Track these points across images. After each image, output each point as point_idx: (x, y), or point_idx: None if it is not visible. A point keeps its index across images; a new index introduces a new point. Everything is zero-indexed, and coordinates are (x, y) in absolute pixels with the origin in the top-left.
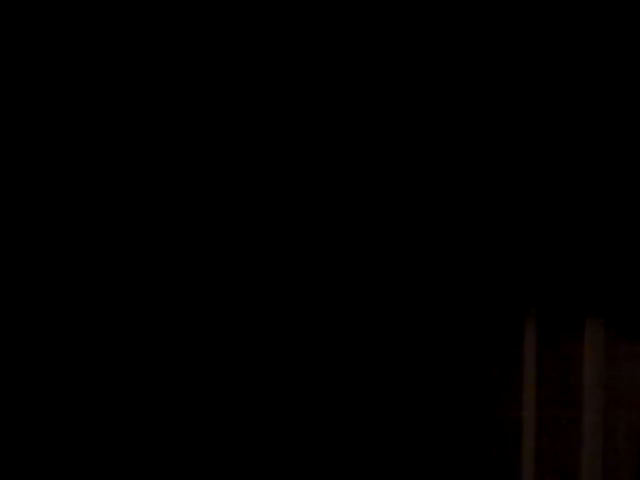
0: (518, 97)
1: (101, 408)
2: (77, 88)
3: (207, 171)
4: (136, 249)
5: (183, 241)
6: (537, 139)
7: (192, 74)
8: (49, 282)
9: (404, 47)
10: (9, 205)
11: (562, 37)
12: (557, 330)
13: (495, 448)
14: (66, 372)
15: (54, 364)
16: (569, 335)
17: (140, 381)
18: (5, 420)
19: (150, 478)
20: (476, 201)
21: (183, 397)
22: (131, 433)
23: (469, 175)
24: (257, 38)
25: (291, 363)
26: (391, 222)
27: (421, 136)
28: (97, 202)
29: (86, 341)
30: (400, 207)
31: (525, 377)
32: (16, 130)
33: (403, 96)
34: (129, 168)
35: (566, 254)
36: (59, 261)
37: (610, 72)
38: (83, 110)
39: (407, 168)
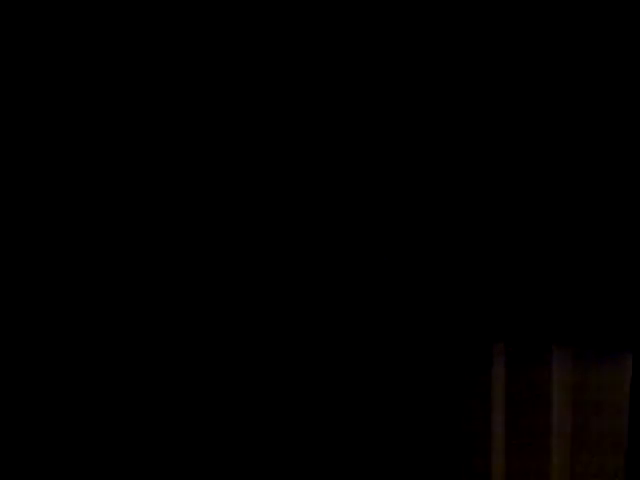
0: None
1: (101, 408)
2: (77, 88)
3: (207, 171)
4: (136, 249)
5: (183, 241)
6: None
7: (192, 74)
8: (49, 282)
9: (404, 47)
10: (9, 205)
11: (562, 37)
12: (525, 358)
13: (464, 475)
14: (66, 372)
15: (54, 364)
16: (537, 362)
17: (140, 381)
18: (5, 420)
19: (150, 478)
20: (450, 234)
21: (183, 397)
22: (131, 433)
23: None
24: (257, 38)
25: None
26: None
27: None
28: (97, 202)
29: (86, 341)
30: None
31: (494, 403)
32: (16, 130)
33: (402, 97)
34: (129, 168)
35: (535, 284)
36: (59, 261)
37: (610, 72)
38: (83, 110)
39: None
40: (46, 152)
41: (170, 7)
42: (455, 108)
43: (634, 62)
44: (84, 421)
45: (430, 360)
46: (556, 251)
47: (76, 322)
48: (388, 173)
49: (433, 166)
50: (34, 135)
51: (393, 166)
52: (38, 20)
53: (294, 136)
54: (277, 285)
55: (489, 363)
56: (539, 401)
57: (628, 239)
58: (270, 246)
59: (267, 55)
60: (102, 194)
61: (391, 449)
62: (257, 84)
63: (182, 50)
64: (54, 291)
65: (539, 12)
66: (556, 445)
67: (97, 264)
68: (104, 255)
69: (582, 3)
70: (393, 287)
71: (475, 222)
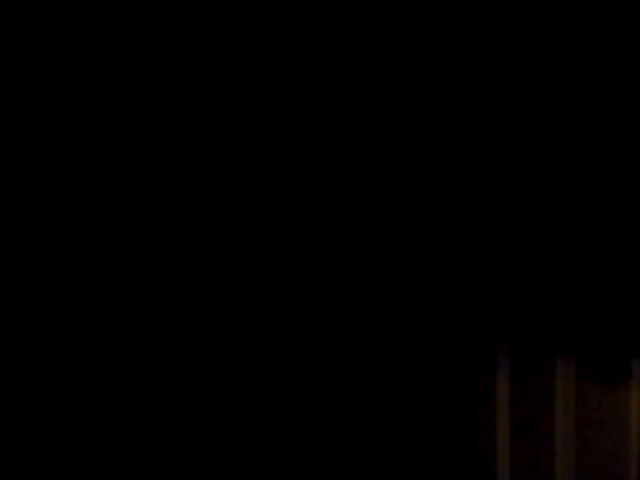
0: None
1: (101, 408)
2: (77, 88)
3: (207, 171)
4: (136, 249)
5: (183, 241)
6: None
7: (192, 74)
8: (49, 282)
9: (404, 47)
10: (9, 205)
11: (562, 37)
12: (529, 364)
13: (470, 477)
14: (66, 372)
15: (54, 364)
16: (541, 368)
17: (140, 381)
18: (5, 420)
19: (150, 478)
20: (457, 240)
21: (183, 397)
22: (131, 433)
23: (438, 218)
24: (257, 38)
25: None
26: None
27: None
28: (97, 202)
29: (86, 341)
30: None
31: (498, 408)
32: (16, 130)
33: (402, 97)
34: (129, 168)
35: (540, 292)
36: (59, 261)
37: (610, 73)
38: (83, 110)
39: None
40: (46, 152)
41: (170, 7)
42: (458, 111)
43: (634, 62)
44: (84, 421)
45: (435, 365)
46: (562, 259)
47: (76, 322)
48: (395, 177)
49: (442, 171)
50: (34, 135)
51: (400, 169)
52: (38, 20)
53: (294, 136)
54: (279, 286)
55: (494, 368)
56: (543, 406)
57: (636, 250)
58: (272, 247)
59: (267, 55)
60: (102, 194)
61: (396, 452)
62: (257, 84)
63: (182, 50)
64: (54, 291)
65: (539, 12)
66: (560, 448)
67: (97, 264)
68: (104, 255)
69: (582, 3)
70: (400, 293)
71: (482, 228)
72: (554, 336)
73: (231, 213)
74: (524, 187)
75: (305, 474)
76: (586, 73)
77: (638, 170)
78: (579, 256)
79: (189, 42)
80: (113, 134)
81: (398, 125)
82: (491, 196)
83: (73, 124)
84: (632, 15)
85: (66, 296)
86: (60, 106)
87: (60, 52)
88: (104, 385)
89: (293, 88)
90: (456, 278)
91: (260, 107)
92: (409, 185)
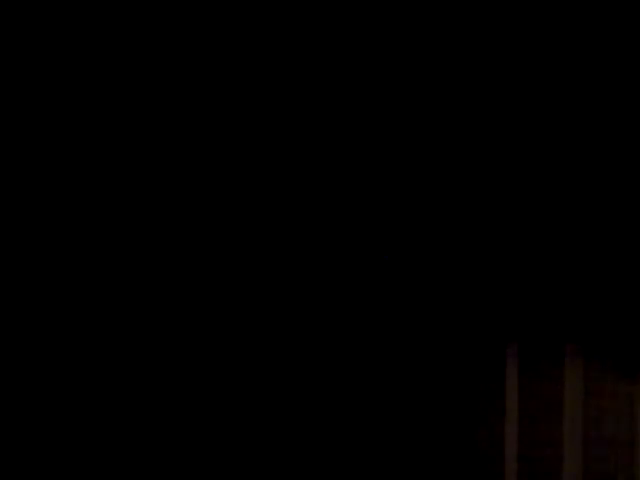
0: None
1: (101, 408)
2: (77, 88)
3: (207, 171)
4: (136, 250)
5: (183, 241)
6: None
7: (192, 74)
8: (49, 282)
9: (405, 48)
10: (9, 205)
11: (562, 38)
12: (539, 356)
13: (479, 469)
14: (66, 372)
15: (54, 364)
16: (550, 364)
17: (140, 381)
18: (5, 420)
19: (150, 478)
20: (465, 238)
21: (183, 397)
22: (131, 433)
23: (448, 213)
24: (257, 39)
25: (282, 365)
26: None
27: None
28: (97, 202)
29: (86, 341)
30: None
31: (507, 404)
32: (16, 130)
33: (402, 98)
34: (129, 169)
35: (548, 287)
36: (59, 261)
37: (610, 74)
38: (83, 110)
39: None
40: (46, 152)
41: (170, 7)
42: (460, 112)
43: (634, 62)
44: (84, 421)
45: (445, 363)
46: (571, 255)
47: (76, 322)
48: (403, 175)
49: (447, 170)
50: (34, 135)
51: (408, 168)
52: (38, 20)
53: (294, 137)
54: (282, 288)
55: (502, 364)
56: (552, 403)
57: None
58: (274, 247)
59: (267, 55)
60: (102, 194)
61: (404, 449)
62: (257, 84)
63: (182, 50)
64: (54, 291)
65: (539, 12)
66: (568, 445)
67: (97, 264)
68: (104, 255)
69: (582, 3)
70: (409, 292)
71: (489, 228)
72: (563, 332)
73: (231, 213)
74: (530, 187)
75: (309, 473)
76: (586, 73)
77: (638, 170)
78: (586, 252)
79: (189, 43)
80: (113, 135)
81: (402, 127)
82: (500, 196)
83: (73, 124)
84: (632, 15)
85: (66, 296)
86: (60, 106)
87: (60, 52)
88: (104, 385)
89: (293, 89)
90: (464, 277)
91: (260, 108)
92: (418, 184)
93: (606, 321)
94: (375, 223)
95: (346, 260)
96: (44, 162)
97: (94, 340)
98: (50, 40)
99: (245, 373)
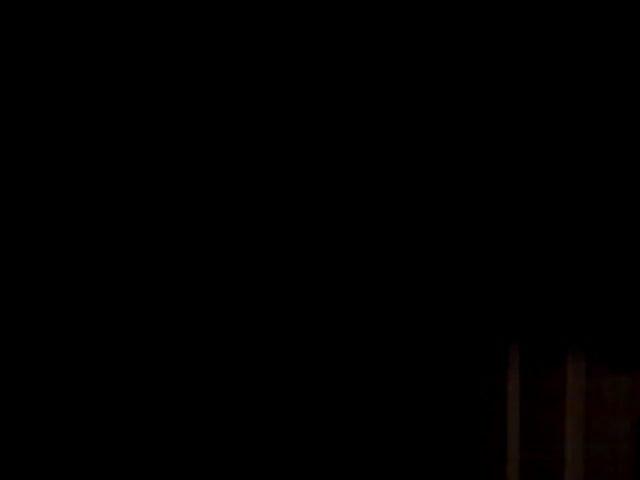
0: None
1: (101, 408)
2: (77, 88)
3: (207, 171)
4: (136, 250)
5: (183, 242)
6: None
7: (192, 74)
8: (49, 282)
9: (405, 48)
10: (9, 205)
11: (562, 37)
12: (540, 357)
13: (479, 473)
14: (66, 372)
15: (54, 364)
16: (552, 361)
17: (140, 381)
18: (5, 420)
19: (150, 478)
20: (466, 236)
21: (183, 397)
22: (131, 433)
23: (451, 209)
24: (257, 39)
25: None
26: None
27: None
28: (97, 202)
29: (86, 341)
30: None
31: (509, 403)
32: (16, 130)
33: (402, 98)
34: (129, 169)
35: (550, 286)
36: (59, 261)
37: (610, 73)
38: (83, 110)
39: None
40: (46, 152)
41: (170, 7)
42: (460, 112)
43: (634, 62)
44: (84, 421)
45: (446, 362)
46: (572, 253)
47: (76, 322)
48: (404, 173)
49: (447, 170)
50: (34, 135)
51: (408, 168)
52: (38, 20)
53: (294, 137)
54: (281, 288)
55: (504, 364)
56: (553, 402)
57: None
58: (274, 247)
59: (267, 56)
60: (102, 194)
61: (404, 450)
62: (257, 84)
63: (182, 50)
64: (54, 291)
65: (539, 12)
66: (570, 444)
67: (97, 264)
68: (104, 255)
69: (582, 3)
70: (410, 290)
71: (491, 224)
72: (564, 332)
73: (231, 213)
74: (531, 187)
75: (309, 473)
76: (586, 73)
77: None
78: (588, 251)
79: (189, 43)
80: (113, 135)
81: (402, 127)
82: (501, 194)
83: (73, 125)
84: (632, 15)
85: (66, 296)
86: (60, 106)
87: (60, 52)
88: (104, 385)
89: (293, 89)
90: (466, 275)
91: (260, 108)
92: (418, 184)
93: (609, 320)
94: (375, 223)
95: (346, 260)
96: (44, 162)
97: (94, 340)
98: (50, 40)
99: (245, 373)
